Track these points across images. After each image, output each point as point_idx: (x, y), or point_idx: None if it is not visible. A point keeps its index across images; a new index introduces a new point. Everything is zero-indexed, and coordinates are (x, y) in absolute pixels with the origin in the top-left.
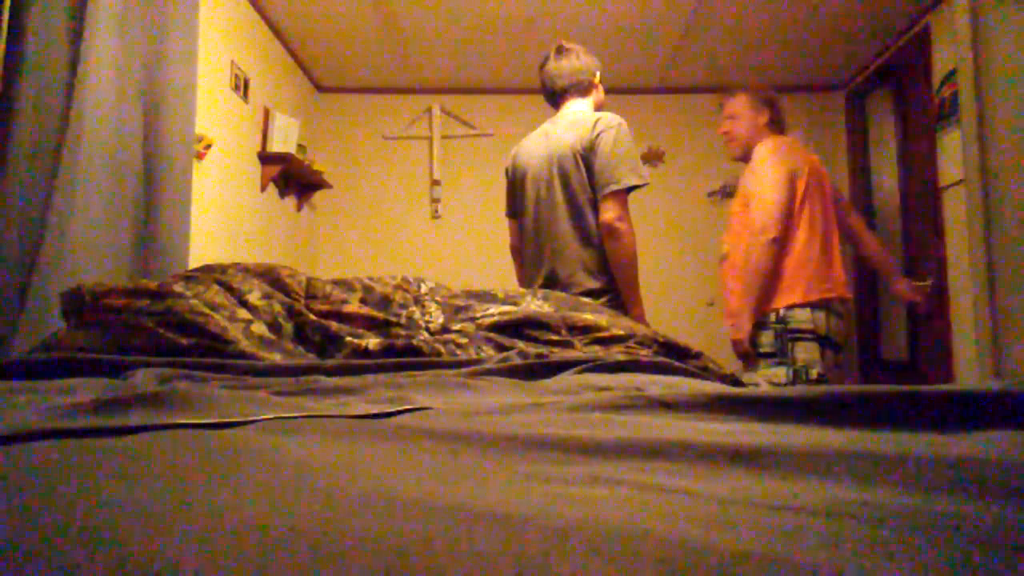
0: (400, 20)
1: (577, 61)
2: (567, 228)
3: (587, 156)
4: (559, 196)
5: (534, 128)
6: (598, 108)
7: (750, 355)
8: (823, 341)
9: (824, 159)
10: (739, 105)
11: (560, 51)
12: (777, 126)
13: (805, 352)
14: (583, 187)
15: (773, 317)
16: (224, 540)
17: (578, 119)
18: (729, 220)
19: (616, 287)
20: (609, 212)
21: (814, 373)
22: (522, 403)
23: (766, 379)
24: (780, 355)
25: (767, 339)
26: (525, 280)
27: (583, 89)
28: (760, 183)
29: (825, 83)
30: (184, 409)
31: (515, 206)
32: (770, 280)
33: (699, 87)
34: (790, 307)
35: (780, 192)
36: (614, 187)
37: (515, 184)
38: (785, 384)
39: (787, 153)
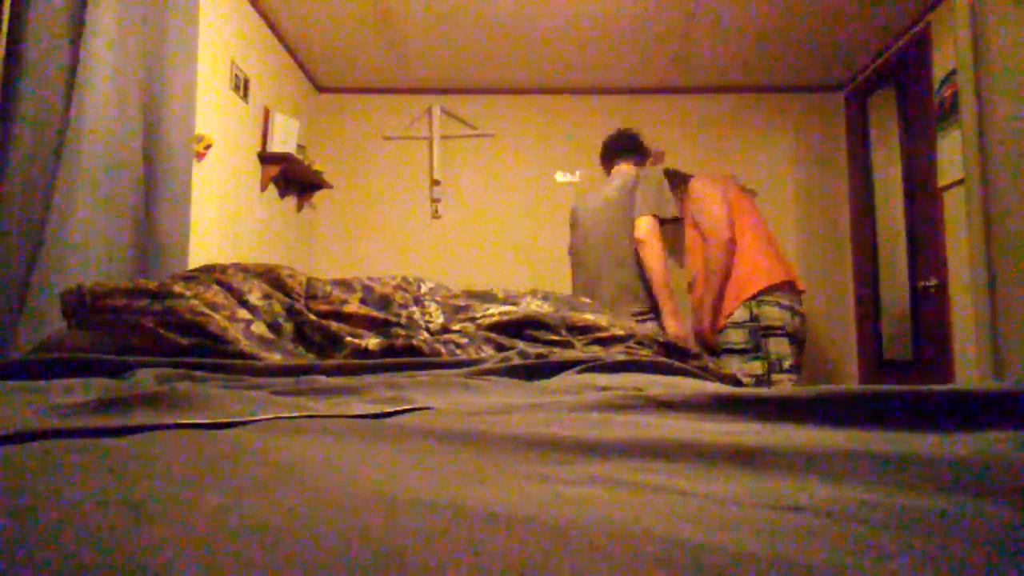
0: (400, 20)
1: (641, 140)
2: (612, 259)
3: (632, 191)
4: (605, 231)
5: (534, 128)
6: None
7: (711, 346)
8: (791, 337)
9: (824, 159)
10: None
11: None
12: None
13: (777, 346)
14: (627, 224)
15: (747, 315)
16: (224, 540)
17: (625, 171)
18: (690, 250)
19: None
20: (641, 228)
21: (786, 364)
22: (522, 403)
23: (743, 373)
24: (754, 350)
25: (741, 336)
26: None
27: (638, 159)
28: (703, 206)
29: (825, 83)
30: (184, 409)
31: (571, 244)
32: (729, 277)
33: (699, 87)
34: (760, 301)
35: (720, 205)
36: (651, 211)
37: (572, 225)
38: (761, 375)
39: (714, 180)
